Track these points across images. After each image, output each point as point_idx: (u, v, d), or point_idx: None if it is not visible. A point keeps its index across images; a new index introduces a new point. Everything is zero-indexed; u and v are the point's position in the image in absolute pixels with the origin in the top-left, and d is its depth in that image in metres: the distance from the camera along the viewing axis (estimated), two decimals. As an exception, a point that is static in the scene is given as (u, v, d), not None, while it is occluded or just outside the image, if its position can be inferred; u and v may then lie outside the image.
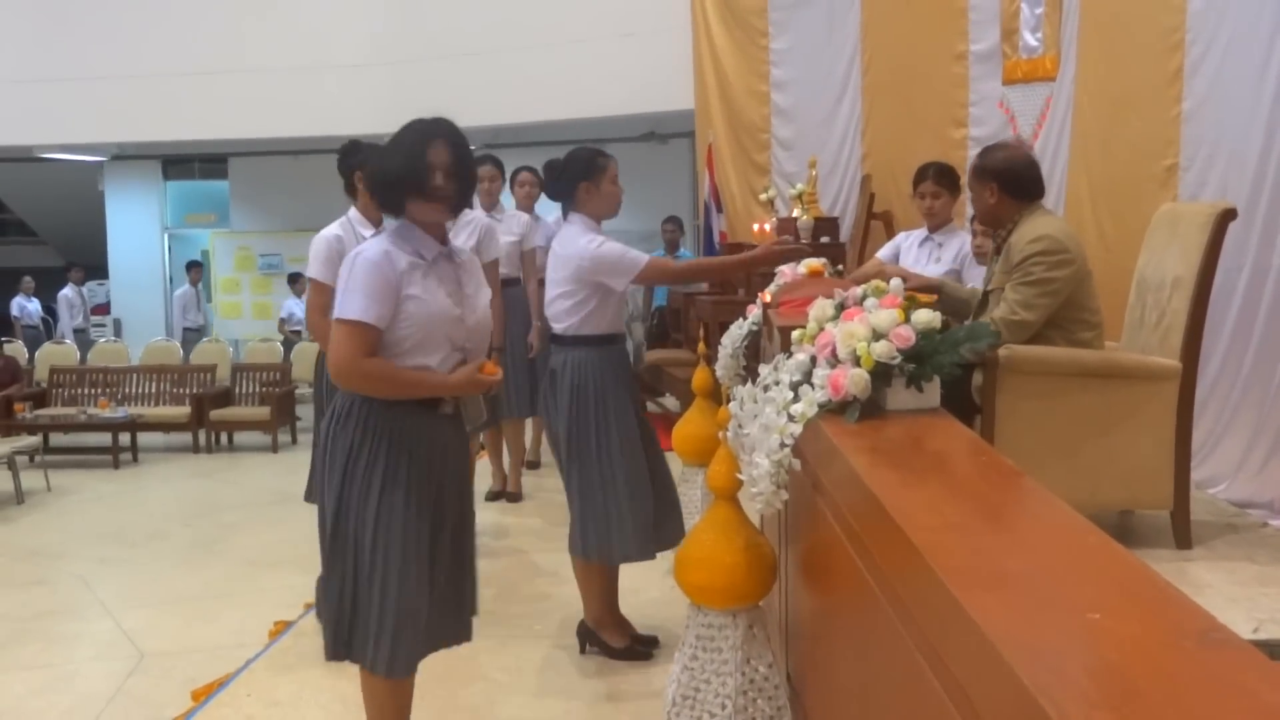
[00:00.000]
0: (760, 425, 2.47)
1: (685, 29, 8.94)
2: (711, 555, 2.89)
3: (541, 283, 6.84)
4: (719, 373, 5.12)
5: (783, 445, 2.37)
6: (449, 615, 3.05)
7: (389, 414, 2.92)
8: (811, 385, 2.39)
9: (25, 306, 15.46)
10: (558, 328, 4.11)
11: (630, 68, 10.02)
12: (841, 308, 2.54)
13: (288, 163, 13.86)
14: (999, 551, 1.52)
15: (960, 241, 5.01)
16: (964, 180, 5.44)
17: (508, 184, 6.88)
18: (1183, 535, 3.68)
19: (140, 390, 10.32)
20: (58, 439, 9.65)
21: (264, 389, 10.23)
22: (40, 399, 10.10)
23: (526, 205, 7.04)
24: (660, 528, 4.10)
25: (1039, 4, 6.33)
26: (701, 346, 5.26)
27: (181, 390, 10.27)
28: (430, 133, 2.91)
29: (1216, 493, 4.47)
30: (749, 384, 2.75)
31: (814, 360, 2.46)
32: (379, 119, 6.13)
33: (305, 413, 9.69)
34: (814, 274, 4.55)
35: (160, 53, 11.85)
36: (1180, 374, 3.66)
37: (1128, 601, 1.31)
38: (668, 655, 4.05)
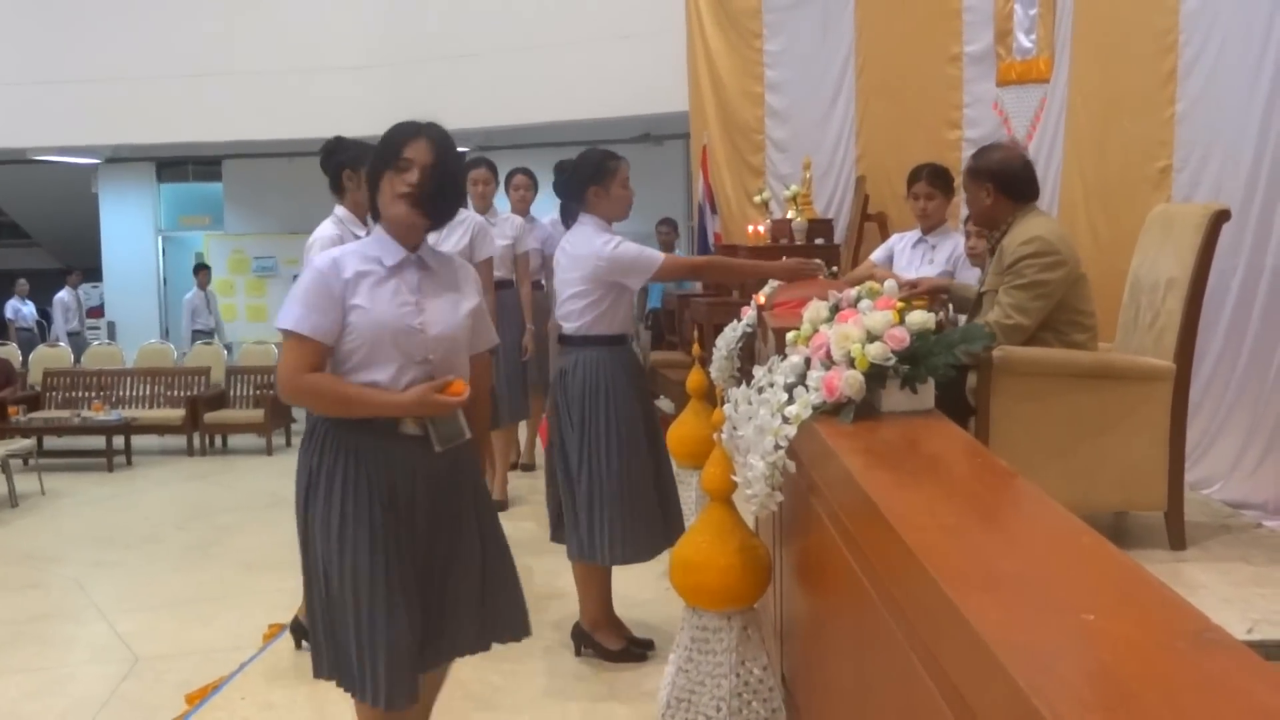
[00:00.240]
0: (755, 427, 2.47)
1: (680, 31, 8.94)
2: (706, 557, 2.89)
3: (537, 285, 6.88)
4: (713, 374, 5.12)
5: (777, 447, 2.37)
6: (441, 637, 2.82)
7: (348, 435, 2.71)
8: (806, 387, 2.39)
9: (20, 309, 15.45)
10: (568, 328, 4.10)
11: (624, 69, 10.02)
12: (836, 309, 2.55)
13: (282, 165, 13.84)
14: (993, 553, 1.52)
15: (954, 243, 5.01)
16: (958, 182, 5.45)
17: (502, 186, 6.85)
18: (1177, 536, 3.68)
19: (134, 393, 10.32)
20: (51, 442, 9.64)
21: (258, 391, 10.23)
22: (34, 402, 10.09)
23: (521, 208, 7.02)
24: (667, 525, 4.10)
25: (1033, 5, 6.33)
26: (696, 348, 5.26)
27: (175, 393, 10.26)
28: (413, 130, 2.74)
29: (1211, 494, 4.48)
30: (743, 386, 2.75)
31: (809, 362, 2.46)
32: (373, 121, 6.12)
33: (300, 415, 9.68)
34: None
35: (154, 55, 11.85)
36: (1174, 375, 3.66)
37: (1122, 602, 1.31)
38: (663, 657, 4.04)
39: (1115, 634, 1.18)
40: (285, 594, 5.19)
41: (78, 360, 11.45)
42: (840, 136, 7.96)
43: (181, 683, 4.30)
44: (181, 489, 8.63)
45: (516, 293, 6.53)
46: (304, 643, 4.11)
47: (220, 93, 11.74)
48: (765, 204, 7.89)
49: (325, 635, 2.75)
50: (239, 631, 4.84)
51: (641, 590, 4.73)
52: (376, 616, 2.65)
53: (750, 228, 7.41)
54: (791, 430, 2.35)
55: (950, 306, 4.38)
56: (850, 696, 2.09)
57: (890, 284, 2.58)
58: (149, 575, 5.97)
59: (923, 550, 1.43)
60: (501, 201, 6.82)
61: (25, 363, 11.34)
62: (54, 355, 11.39)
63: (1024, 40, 6.47)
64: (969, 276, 4.74)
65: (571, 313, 4.07)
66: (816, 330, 2.50)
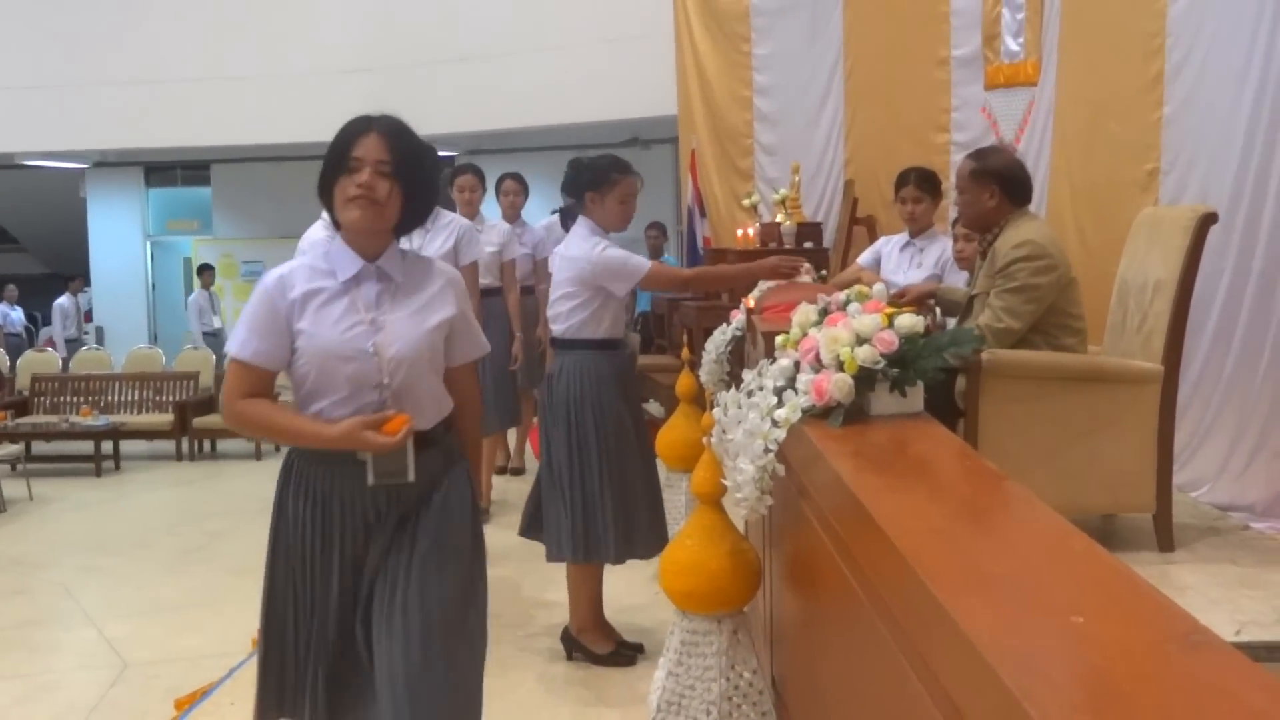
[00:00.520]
0: (744, 430, 2.47)
1: (668, 35, 8.94)
2: (696, 561, 2.89)
3: (527, 290, 6.86)
4: (703, 378, 5.13)
5: (767, 450, 2.37)
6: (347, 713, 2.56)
7: (308, 466, 2.53)
8: (795, 390, 2.39)
9: (8, 314, 15.39)
10: (557, 329, 4.11)
11: (613, 73, 10.03)
12: (825, 313, 2.55)
13: (270, 169, 13.83)
14: (983, 555, 1.53)
15: (941, 247, 5.02)
16: (946, 185, 5.46)
17: (491, 192, 6.82)
18: (1165, 538, 3.70)
19: (122, 398, 10.27)
20: (40, 447, 9.59)
21: (247, 396, 10.18)
22: (22, 407, 10.04)
23: (511, 214, 6.99)
24: (654, 527, 4.12)
25: (1020, 9, 6.36)
26: (685, 352, 5.27)
27: (164, 398, 10.22)
28: (362, 126, 2.45)
29: (1199, 496, 4.49)
30: (733, 389, 2.75)
31: (798, 365, 2.47)
32: (362, 125, 6.09)
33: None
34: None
35: (141, 60, 11.83)
36: (1162, 377, 3.67)
37: (1111, 604, 1.31)
38: (653, 661, 4.04)
39: (1104, 636, 1.18)
40: (274, 599, 5.17)
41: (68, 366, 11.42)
42: (829, 140, 7.98)
43: (170, 688, 4.29)
44: (170, 494, 8.60)
45: (503, 300, 6.49)
46: None
47: (208, 97, 11.72)
48: (754, 208, 7.90)
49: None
50: (228, 637, 4.81)
51: (632, 594, 4.73)
52: (270, 648, 2.56)
53: (739, 231, 7.42)
54: (781, 434, 2.35)
55: (938, 310, 4.39)
56: (840, 700, 2.09)
57: (879, 287, 2.58)
58: (138, 581, 5.95)
59: (912, 553, 1.43)
60: (490, 208, 6.78)
61: (13, 368, 11.29)
62: (42, 360, 11.34)
63: (1012, 44, 6.50)
64: (956, 280, 4.76)
65: (560, 314, 4.08)
66: (805, 334, 2.50)
